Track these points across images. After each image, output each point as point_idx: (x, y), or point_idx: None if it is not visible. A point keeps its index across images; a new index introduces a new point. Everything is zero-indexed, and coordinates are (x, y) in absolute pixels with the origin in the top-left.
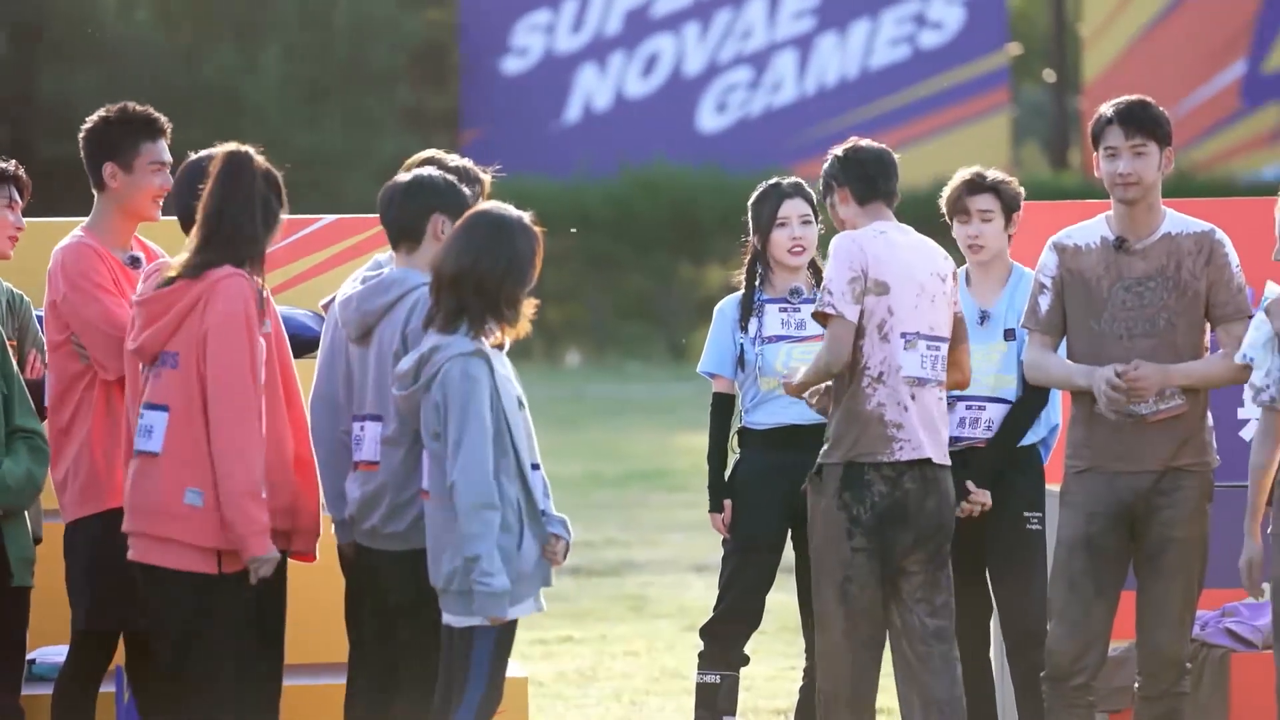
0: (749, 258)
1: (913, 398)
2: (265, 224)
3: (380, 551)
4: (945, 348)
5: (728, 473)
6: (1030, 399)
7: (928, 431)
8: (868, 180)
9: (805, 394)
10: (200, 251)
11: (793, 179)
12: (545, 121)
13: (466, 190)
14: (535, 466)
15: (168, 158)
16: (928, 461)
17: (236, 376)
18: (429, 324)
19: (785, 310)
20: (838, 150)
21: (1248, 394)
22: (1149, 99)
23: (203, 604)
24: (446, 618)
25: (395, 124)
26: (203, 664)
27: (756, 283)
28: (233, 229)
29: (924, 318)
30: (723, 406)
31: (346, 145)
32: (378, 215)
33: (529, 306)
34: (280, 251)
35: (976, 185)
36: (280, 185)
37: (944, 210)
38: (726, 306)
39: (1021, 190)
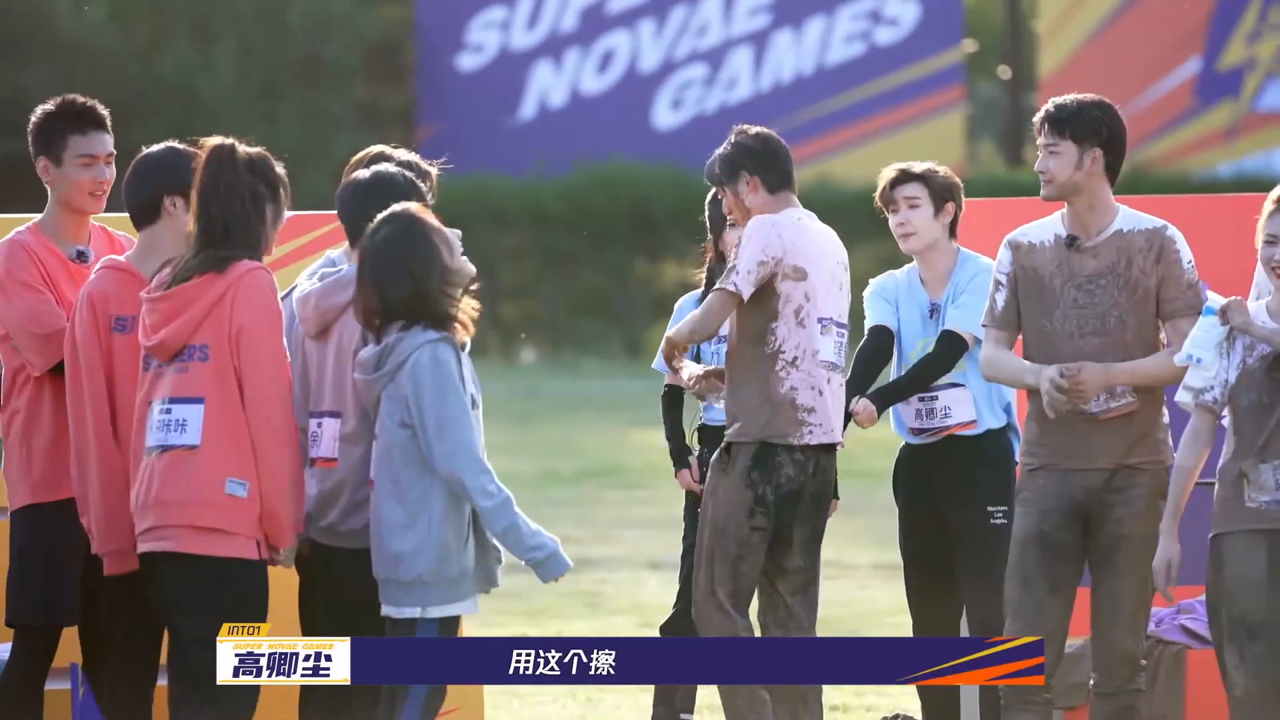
0: (709, 256)
1: (828, 382)
2: (258, 214)
3: (336, 548)
4: (847, 335)
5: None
6: (936, 360)
7: (838, 416)
8: (780, 169)
9: (688, 379)
10: (212, 247)
11: None
12: (501, 118)
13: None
14: None
15: (100, 150)
16: (828, 447)
17: (276, 370)
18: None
19: None
20: (742, 138)
21: (1185, 396)
22: (1090, 98)
23: (245, 590)
24: (387, 609)
25: (351, 121)
26: None
27: (715, 281)
28: (224, 224)
29: (835, 304)
30: (673, 398)
31: (302, 142)
32: (335, 212)
33: (470, 308)
34: None
35: (902, 176)
36: (272, 173)
37: (879, 206)
38: (685, 304)
39: (956, 180)
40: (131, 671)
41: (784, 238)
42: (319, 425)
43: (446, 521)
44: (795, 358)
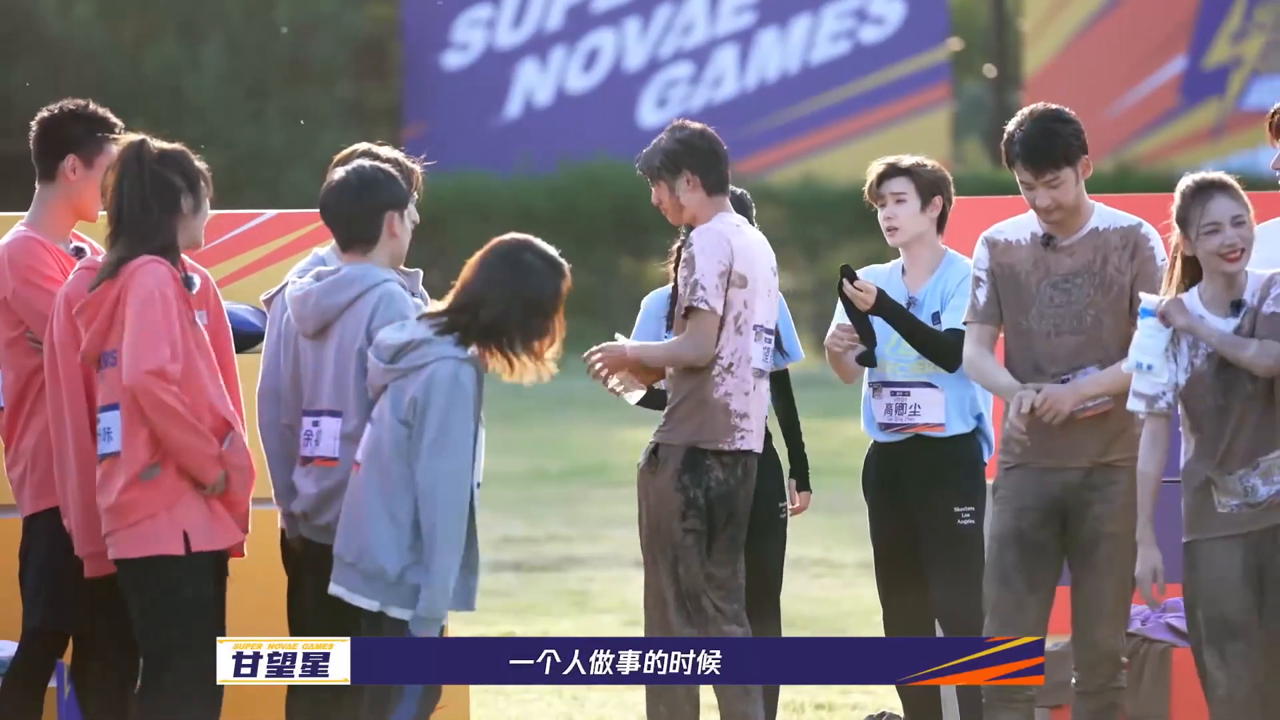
0: (676, 254)
1: (754, 388)
2: (164, 208)
3: (331, 546)
4: (772, 342)
5: None
6: (947, 347)
7: (759, 422)
8: (720, 172)
9: (612, 380)
10: (113, 249)
11: None
12: (486, 117)
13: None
14: (476, 484)
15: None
16: (752, 452)
17: (155, 339)
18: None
19: None
20: (687, 134)
21: (1137, 404)
22: (1055, 114)
23: (171, 589)
24: (337, 589)
25: (337, 119)
26: (192, 646)
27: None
28: (130, 220)
29: (768, 312)
30: (653, 400)
31: (288, 140)
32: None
33: (549, 350)
34: (222, 246)
35: (889, 171)
36: (189, 165)
37: (867, 200)
38: (653, 304)
39: (944, 174)
40: (113, 673)
41: (732, 244)
42: (315, 424)
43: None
44: (731, 364)
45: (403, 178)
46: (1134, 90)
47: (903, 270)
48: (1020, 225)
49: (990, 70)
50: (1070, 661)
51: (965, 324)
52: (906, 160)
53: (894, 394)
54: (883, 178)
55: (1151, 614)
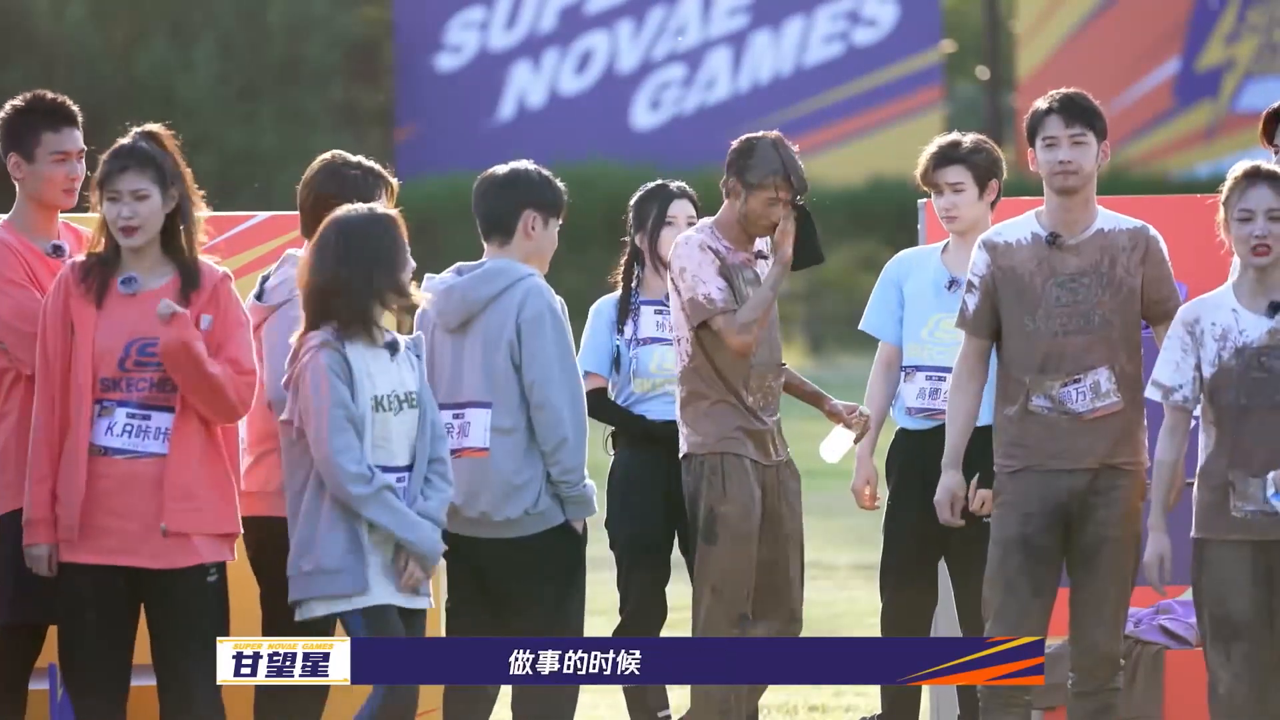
0: (626, 258)
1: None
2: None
3: (488, 540)
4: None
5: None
6: None
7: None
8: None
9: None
10: None
11: (679, 182)
12: (479, 119)
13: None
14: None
15: (72, 146)
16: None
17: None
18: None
19: (661, 312)
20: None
21: (1154, 392)
22: (1085, 92)
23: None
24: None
25: (329, 121)
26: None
27: (634, 284)
28: None
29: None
30: (605, 402)
31: (280, 142)
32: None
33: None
34: (214, 249)
35: (943, 158)
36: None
37: (920, 185)
38: (604, 307)
39: (997, 154)
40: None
41: None
42: (457, 416)
43: None
44: None
45: (377, 186)
46: (1128, 92)
47: (944, 248)
48: (1020, 225)
49: (983, 72)
50: (1066, 663)
51: (955, 328)
52: (961, 144)
53: (928, 378)
54: (937, 165)
55: (1145, 616)
